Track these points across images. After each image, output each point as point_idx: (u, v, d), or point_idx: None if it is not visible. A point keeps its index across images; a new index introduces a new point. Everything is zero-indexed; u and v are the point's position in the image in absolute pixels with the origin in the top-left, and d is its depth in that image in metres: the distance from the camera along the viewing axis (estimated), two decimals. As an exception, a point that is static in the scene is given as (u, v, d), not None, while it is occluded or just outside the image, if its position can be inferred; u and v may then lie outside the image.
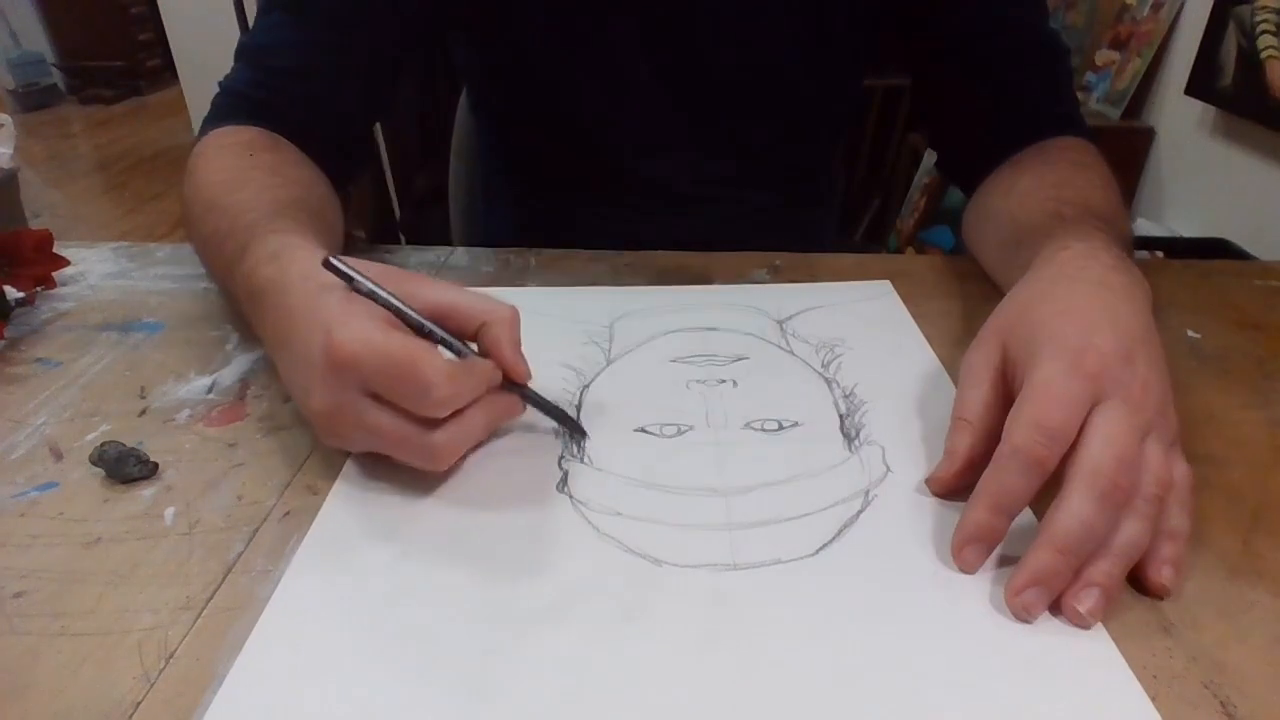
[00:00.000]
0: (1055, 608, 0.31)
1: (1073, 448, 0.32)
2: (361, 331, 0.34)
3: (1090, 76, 2.02)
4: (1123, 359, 0.34)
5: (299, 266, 0.39)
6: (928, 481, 0.38)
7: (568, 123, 0.69)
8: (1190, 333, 0.52)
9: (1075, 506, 0.31)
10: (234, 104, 0.57)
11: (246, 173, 0.51)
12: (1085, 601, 0.30)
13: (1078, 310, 0.37)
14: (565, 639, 0.31)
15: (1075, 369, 0.34)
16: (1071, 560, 0.31)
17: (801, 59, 0.66)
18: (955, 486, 0.37)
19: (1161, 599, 0.32)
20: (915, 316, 0.53)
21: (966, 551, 0.33)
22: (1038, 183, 0.54)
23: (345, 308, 0.36)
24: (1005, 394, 0.37)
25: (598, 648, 0.30)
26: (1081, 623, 0.31)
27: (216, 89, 0.59)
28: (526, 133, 0.74)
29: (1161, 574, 0.32)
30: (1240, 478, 0.39)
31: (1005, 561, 0.34)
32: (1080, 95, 2.03)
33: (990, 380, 0.38)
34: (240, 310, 0.46)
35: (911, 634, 0.31)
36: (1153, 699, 0.28)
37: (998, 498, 0.33)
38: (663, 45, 0.64)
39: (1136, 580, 0.33)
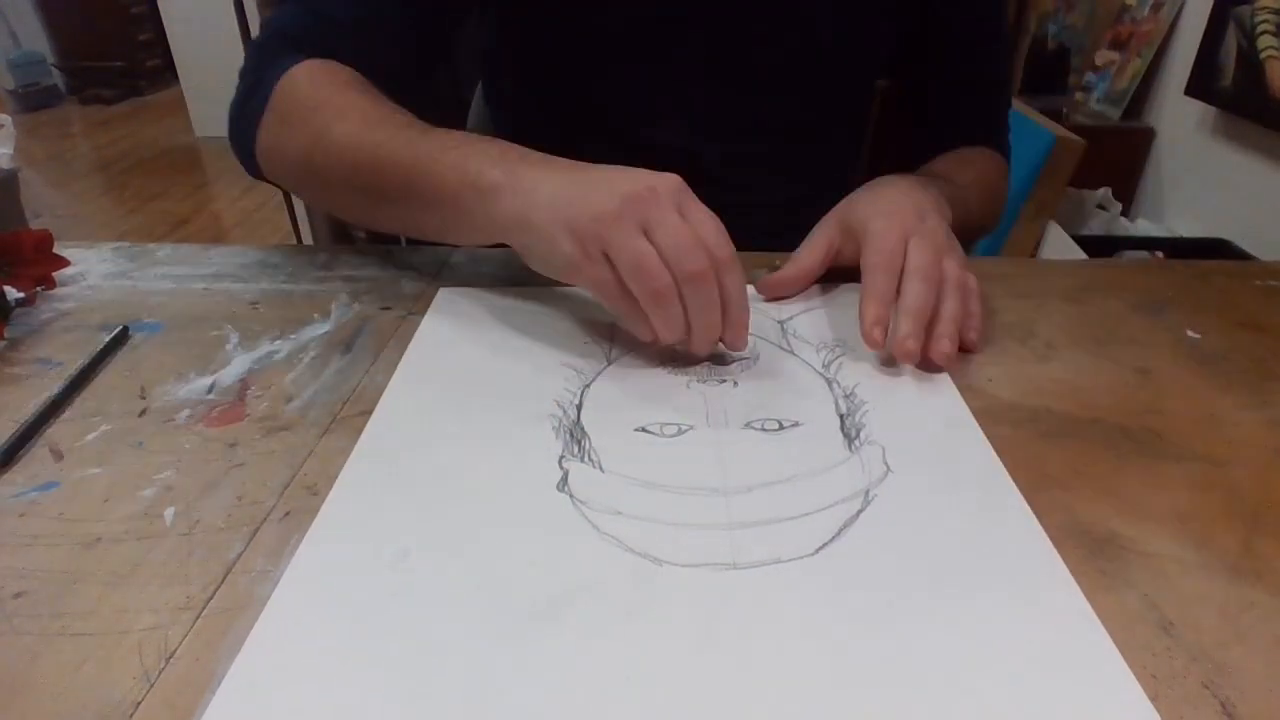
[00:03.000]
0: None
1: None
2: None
3: (1090, 76, 2.02)
4: (918, 216, 0.52)
5: (525, 155, 0.49)
6: (762, 283, 0.55)
7: (601, 105, 0.69)
8: (1190, 333, 0.52)
9: (912, 289, 0.48)
10: (288, 46, 0.57)
11: (380, 105, 0.54)
12: (941, 345, 0.46)
13: (889, 196, 0.55)
14: (565, 639, 0.31)
15: (891, 220, 0.52)
16: (922, 319, 0.47)
17: (835, 40, 0.68)
18: (776, 286, 0.55)
19: (973, 353, 0.49)
20: (915, 316, 0.53)
21: (876, 330, 0.47)
22: (935, 165, 0.73)
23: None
24: (830, 256, 0.56)
25: (598, 647, 0.30)
26: (944, 361, 0.46)
27: (263, 28, 0.60)
28: (552, 118, 0.73)
29: (969, 336, 0.48)
30: (1240, 478, 0.39)
31: (999, 562, 0.34)
32: (1080, 95, 2.04)
33: (824, 247, 0.55)
34: (407, 215, 0.53)
35: (911, 634, 0.31)
36: (1153, 699, 0.28)
37: (878, 292, 0.48)
38: (701, 23, 0.65)
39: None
